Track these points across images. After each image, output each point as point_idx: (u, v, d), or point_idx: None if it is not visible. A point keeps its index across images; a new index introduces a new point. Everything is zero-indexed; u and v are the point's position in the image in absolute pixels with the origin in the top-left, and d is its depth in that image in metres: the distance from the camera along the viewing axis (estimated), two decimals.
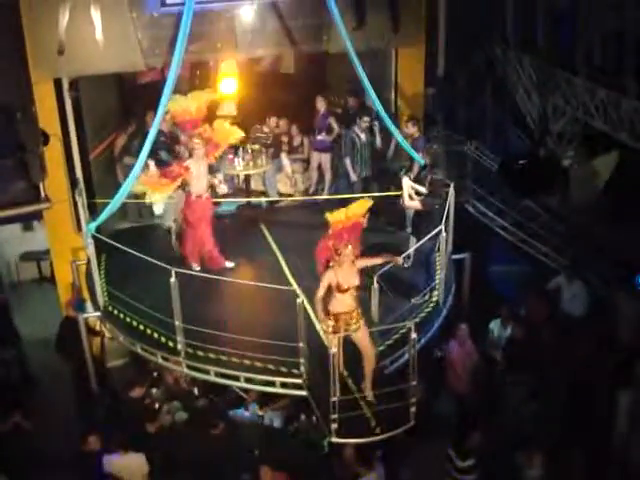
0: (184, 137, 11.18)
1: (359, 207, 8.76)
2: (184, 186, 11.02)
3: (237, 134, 11.56)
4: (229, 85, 15.24)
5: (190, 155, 10.92)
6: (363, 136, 12.87)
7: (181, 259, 11.20)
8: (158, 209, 13.21)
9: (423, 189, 10.97)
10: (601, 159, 12.75)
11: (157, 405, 11.06)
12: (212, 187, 11.30)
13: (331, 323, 8.22)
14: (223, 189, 11.55)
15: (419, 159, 11.64)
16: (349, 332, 8.21)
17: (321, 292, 8.16)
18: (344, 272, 8.11)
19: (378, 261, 8.79)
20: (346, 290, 8.08)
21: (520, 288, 13.34)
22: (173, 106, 10.75)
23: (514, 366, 11.20)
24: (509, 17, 14.04)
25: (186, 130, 11.02)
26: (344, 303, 8.16)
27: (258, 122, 13.70)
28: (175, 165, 11.00)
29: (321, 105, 13.92)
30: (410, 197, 10.91)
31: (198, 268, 10.96)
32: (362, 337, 8.33)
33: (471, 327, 11.39)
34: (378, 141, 13.26)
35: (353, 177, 12.92)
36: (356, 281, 8.20)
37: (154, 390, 11.41)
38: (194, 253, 11.29)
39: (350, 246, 8.16)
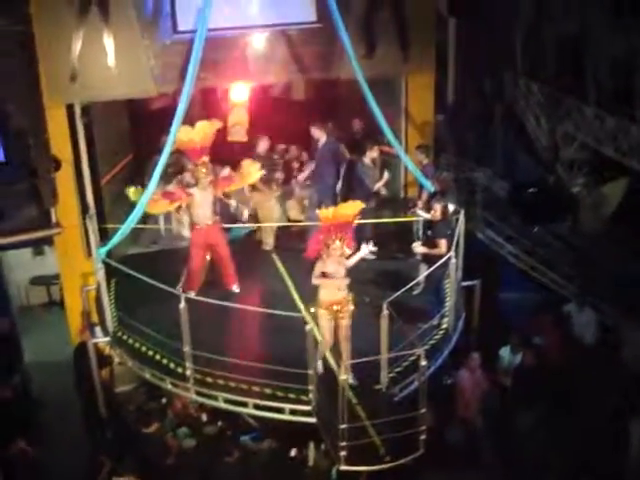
0: (190, 165, 11.18)
1: (349, 208, 9.11)
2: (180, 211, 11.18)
3: (256, 176, 11.65)
4: (239, 111, 15.30)
5: (196, 183, 10.99)
6: (370, 164, 12.81)
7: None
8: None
9: (427, 215, 10.98)
10: (610, 186, 12.72)
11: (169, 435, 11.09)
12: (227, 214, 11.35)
13: (322, 310, 9.02)
14: (245, 214, 11.56)
15: (428, 186, 11.68)
16: (338, 319, 9.02)
17: (316, 274, 8.98)
18: (332, 264, 8.92)
19: (357, 258, 9.31)
20: (333, 280, 8.92)
21: (530, 315, 13.30)
22: (179, 136, 10.80)
23: (524, 393, 11.14)
24: (518, 44, 14.11)
25: (192, 159, 11.05)
26: (332, 293, 8.96)
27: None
28: (178, 189, 11.05)
29: (331, 131, 13.95)
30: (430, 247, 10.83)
31: (193, 295, 10.85)
32: (344, 324, 9.04)
33: (481, 354, 11.36)
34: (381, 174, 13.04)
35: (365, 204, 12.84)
36: (342, 272, 8.97)
37: (167, 422, 11.41)
38: (192, 280, 11.30)
39: (338, 242, 8.86)
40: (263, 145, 13.09)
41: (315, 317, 9.14)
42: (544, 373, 11.32)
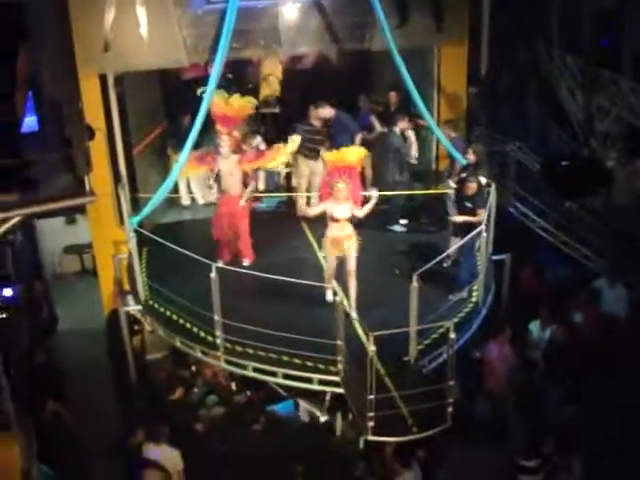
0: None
1: (352, 153, 9.82)
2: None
3: (282, 160, 11.74)
4: (272, 82, 15.29)
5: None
6: (399, 134, 12.74)
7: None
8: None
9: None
10: None
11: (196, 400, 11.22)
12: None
13: (329, 246, 9.86)
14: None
15: (459, 158, 11.62)
16: (342, 252, 9.77)
17: (314, 211, 10.26)
18: (339, 208, 9.63)
19: (364, 211, 9.88)
20: (337, 220, 9.67)
21: (561, 290, 13.23)
22: (216, 99, 10.79)
23: (554, 368, 11.10)
24: (553, 16, 13.92)
25: (222, 125, 11.01)
26: (338, 229, 9.75)
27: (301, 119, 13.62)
28: (207, 155, 11.14)
29: (363, 103, 13.92)
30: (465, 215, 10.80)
31: (221, 264, 10.94)
32: (350, 259, 9.77)
33: (510, 328, 11.34)
34: (412, 148, 12.99)
35: (395, 176, 12.80)
36: (347, 214, 9.69)
37: (195, 390, 11.53)
38: (220, 249, 11.41)
39: (342, 183, 9.52)
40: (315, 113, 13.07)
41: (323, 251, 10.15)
42: (576, 349, 11.28)
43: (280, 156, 11.51)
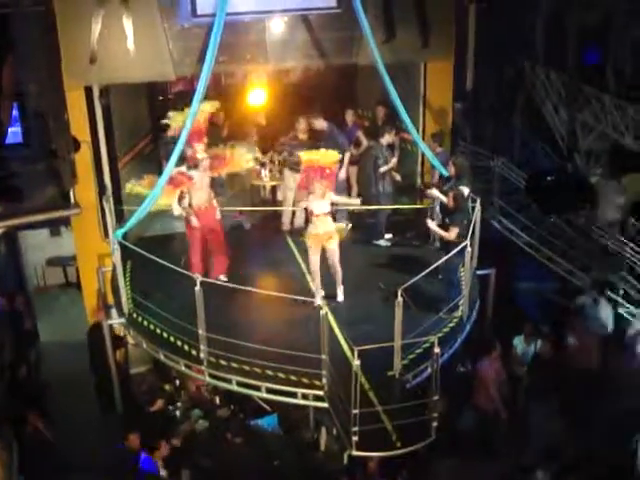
0: (190, 151, 10.94)
1: (326, 156, 10.38)
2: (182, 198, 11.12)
3: (250, 164, 11.86)
4: (258, 96, 15.32)
5: (195, 166, 10.96)
6: (385, 147, 12.76)
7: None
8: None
9: (441, 196, 10.99)
10: (630, 177, 12.64)
11: (177, 414, 11.17)
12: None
13: (311, 241, 10.41)
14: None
15: (443, 171, 11.68)
16: (324, 244, 10.38)
17: (300, 205, 11.02)
18: (316, 202, 10.26)
19: (343, 199, 11.24)
20: (317, 216, 10.23)
21: (544, 306, 13.29)
22: (173, 123, 10.78)
23: (539, 383, 11.13)
24: (538, 33, 14.03)
25: (191, 143, 10.99)
26: (318, 227, 10.31)
27: (285, 133, 13.64)
28: (178, 174, 11.01)
29: (350, 118, 13.95)
30: (444, 229, 10.84)
31: (200, 279, 10.89)
32: (332, 253, 10.44)
33: (491, 343, 11.37)
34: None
35: (381, 190, 12.81)
36: (326, 210, 10.29)
37: (178, 404, 11.48)
38: (196, 263, 11.26)
39: (318, 183, 10.20)
40: (302, 125, 13.07)
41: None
42: (562, 365, 11.34)
43: (244, 160, 11.63)
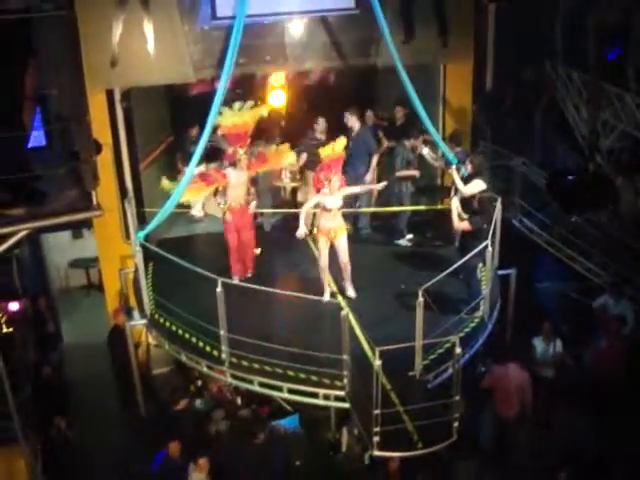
0: (230, 150, 11.20)
1: (339, 143, 10.40)
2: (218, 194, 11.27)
3: (290, 159, 11.93)
4: (278, 97, 15.36)
5: (233, 164, 11.06)
6: (410, 150, 12.74)
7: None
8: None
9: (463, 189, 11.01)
10: None
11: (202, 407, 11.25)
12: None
13: (321, 236, 10.51)
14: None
15: (465, 173, 11.67)
16: (333, 240, 10.49)
17: (308, 206, 10.66)
18: (332, 198, 10.32)
19: (357, 189, 11.28)
20: (330, 210, 10.31)
21: (565, 305, 13.24)
22: (223, 121, 10.84)
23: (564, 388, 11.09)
24: (558, 32, 13.96)
25: (234, 144, 11.08)
26: (330, 221, 10.40)
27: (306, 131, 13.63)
28: (214, 171, 11.13)
29: (369, 119, 13.95)
30: (459, 217, 10.82)
31: (237, 280, 11.02)
32: (342, 248, 10.54)
33: (516, 344, 11.32)
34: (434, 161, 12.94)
35: (404, 190, 12.81)
36: (339, 203, 10.41)
37: (198, 401, 11.53)
38: (235, 263, 11.38)
39: (335, 176, 10.28)
40: (321, 125, 13.09)
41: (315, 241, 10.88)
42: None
43: (285, 157, 11.79)
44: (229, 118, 10.76)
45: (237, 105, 10.86)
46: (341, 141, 10.45)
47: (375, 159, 12.79)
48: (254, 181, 11.89)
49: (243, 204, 11.27)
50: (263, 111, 11.20)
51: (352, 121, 12.82)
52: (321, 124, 13.03)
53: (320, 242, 10.60)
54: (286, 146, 11.97)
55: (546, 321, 11.74)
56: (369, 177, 12.74)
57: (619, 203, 12.51)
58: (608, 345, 11.43)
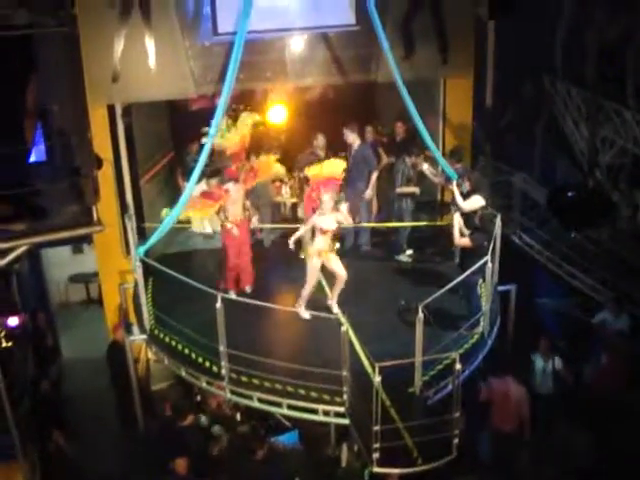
0: (234, 166, 11.27)
1: (333, 165, 10.45)
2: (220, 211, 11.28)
3: (279, 170, 12.20)
4: (278, 113, 15.39)
5: (235, 180, 11.15)
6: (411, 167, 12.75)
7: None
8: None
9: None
10: None
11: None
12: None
13: (314, 257, 10.35)
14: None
15: (463, 187, 11.68)
16: (324, 260, 10.39)
17: (304, 230, 10.58)
18: (326, 218, 10.20)
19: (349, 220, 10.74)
20: (326, 232, 10.20)
21: (564, 321, 13.23)
22: (223, 142, 10.93)
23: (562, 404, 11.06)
24: (558, 48, 14.03)
25: (235, 162, 11.20)
26: (325, 242, 10.28)
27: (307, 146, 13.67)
28: (215, 188, 11.18)
29: (369, 135, 13.98)
30: (461, 234, 10.82)
31: (233, 294, 11.03)
32: (335, 264, 10.47)
33: (516, 360, 11.30)
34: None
35: (404, 206, 12.83)
36: (334, 226, 10.27)
37: (203, 418, 11.50)
38: (230, 279, 11.40)
39: (328, 195, 10.16)
40: (320, 141, 13.16)
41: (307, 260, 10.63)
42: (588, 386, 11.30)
43: (272, 167, 11.96)
44: (229, 139, 10.88)
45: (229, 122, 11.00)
46: (333, 163, 10.52)
47: (375, 175, 12.78)
48: (255, 196, 11.93)
49: (243, 219, 11.30)
50: (256, 118, 11.29)
51: (352, 138, 12.81)
52: (320, 140, 13.08)
53: (313, 262, 10.47)
54: (272, 157, 12.10)
55: (543, 338, 11.70)
56: (368, 193, 12.74)
57: (618, 220, 12.54)
58: (608, 361, 11.40)
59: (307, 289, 10.61)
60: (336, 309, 10.64)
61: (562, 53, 14.00)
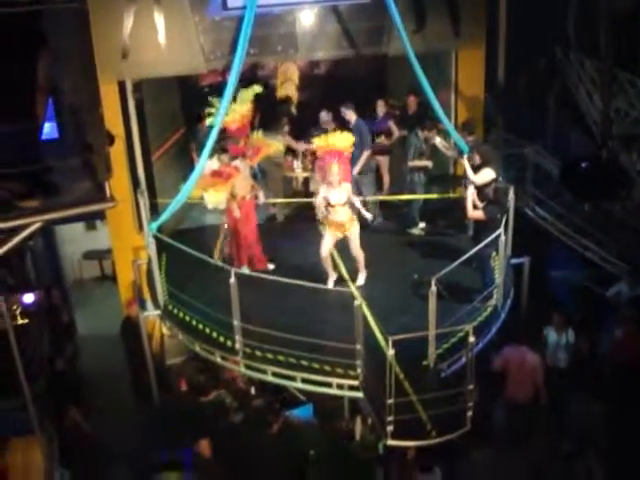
0: (237, 142, 11.28)
1: (341, 138, 10.41)
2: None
3: (278, 147, 12.17)
4: (288, 88, 15.35)
5: (243, 156, 11.20)
6: (422, 140, 12.71)
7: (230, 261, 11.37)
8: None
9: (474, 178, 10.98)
10: None
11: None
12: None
13: (329, 229, 10.53)
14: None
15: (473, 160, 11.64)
16: (343, 234, 10.52)
17: (319, 199, 10.44)
18: (335, 192, 10.25)
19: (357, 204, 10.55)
20: (334, 206, 10.27)
21: (578, 294, 13.19)
22: (226, 120, 10.91)
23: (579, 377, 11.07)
24: (570, 19, 13.88)
25: (241, 136, 11.17)
26: (336, 215, 10.36)
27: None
28: (224, 166, 11.17)
29: (381, 108, 13.92)
30: (474, 206, 10.78)
31: (247, 270, 11.06)
32: (353, 239, 10.55)
33: (529, 333, 11.29)
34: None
35: (416, 179, 12.80)
36: (343, 199, 10.27)
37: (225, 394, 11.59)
38: (241, 255, 11.42)
39: (334, 166, 10.16)
40: (325, 116, 13.17)
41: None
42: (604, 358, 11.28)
43: (271, 144, 11.85)
44: (230, 115, 10.86)
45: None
46: (341, 135, 10.50)
47: (365, 155, 12.71)
48: (263, 172, 11.93)
49: (251, 196, 11.34)
50: (257, 89, 11.26)
51: (348, 114, 12.82)
52: (324, 116, 13.13)
53: (327, 233, 10.63)
54: (260, 135, 11.93)
55: (555, 311, 11.67)
56: (355, 171, 12.53)
57: (632, 191, 12.45)
58: (623, 334, 11.37)
59: (322, 262, 10.77)
60: (362, 281, 10.92)
61: (575, 23, 13.83)
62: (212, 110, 10.88)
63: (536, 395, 10.93)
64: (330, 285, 10.64)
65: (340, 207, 10.36)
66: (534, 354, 10.95)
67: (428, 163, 12.65)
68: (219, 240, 12.04)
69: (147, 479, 9.53)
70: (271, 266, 11.63)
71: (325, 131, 12.43)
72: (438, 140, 12.13)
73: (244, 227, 11.32)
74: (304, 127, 13.86)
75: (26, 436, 9.67)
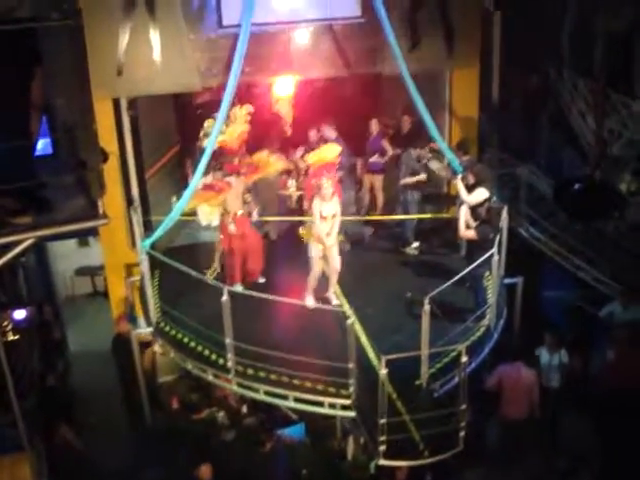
0: (232, 159, 11.35)
1: (330, 150, 10.57)
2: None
3: (278, 166, 12.05)
4: (282, 105, 15.34)
5: (237, 173, 11.22)
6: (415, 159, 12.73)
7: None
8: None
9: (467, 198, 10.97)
10: None
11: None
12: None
13: (315, 244, 10.51)
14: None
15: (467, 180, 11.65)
16: (327, 248, 10.50)
17: (318, 220, 10.36)
18: (327, 203, 10.30)
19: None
20: (326, 218, 10.32)
21: (571, 314, 13.19)
22: (222, 138, 10.95)
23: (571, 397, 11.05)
24: (564, 40, 13.96)
25: (232, 155, 11.24)
26: (326, 226, 10.37)
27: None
28: (216, 181, 11.20)
29: (375, 127, 13.95)
30: (467, 226, 10.79)
31: (240, 288, 11.04)
32: (331, 254, 10.60)
33: (523, 353, 11.28)
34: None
35: (409, 198, 12.82)
36: (335, 211, 10.39)
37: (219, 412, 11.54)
38: (234, 273, 11.40)
39: (327, 180, 10.20)
40: (314, 135, 13.21)
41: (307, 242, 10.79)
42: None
43: (273, 164, 11.84)
44: (228, 134, 10.90)
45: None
46: (332, 147, 10.60)
47: (338, 175, 12.71)
48: (256, 189, 11.93)
49: (243, 212, 11.32)
50: (247, 109, 11.36)
51: (328, 133, 13.02)
52: (312, 136, 13.23)
53: (313, 250, 10.64)
54: (266, 154, 12.00)
55: (548, 332, 11.65)
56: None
57: (625, 211, 12.49)
58: (616, 354, 11.35)
59: (312, 278, 10.71)
60: (335, 301, 10.82)
61: (569, 44, 13.92)
62: (207, 130, 10.92)
63: (531, 412, 10.90)
64: (310, 304, 10.59)
65: (330, 220, 10.41)
66: (530, 370, 10.95)
67: (422, 176, 12.64)
68: (216, 255, 12.07)
69: None
70: (262, 279, 11.60)
71: (312, 149, 12.50)
72: (436, 166, 12.10)
73: (240, 243, 11.31)
74: (296, 144, 13.86)
75: (15, 453, 9.61)
